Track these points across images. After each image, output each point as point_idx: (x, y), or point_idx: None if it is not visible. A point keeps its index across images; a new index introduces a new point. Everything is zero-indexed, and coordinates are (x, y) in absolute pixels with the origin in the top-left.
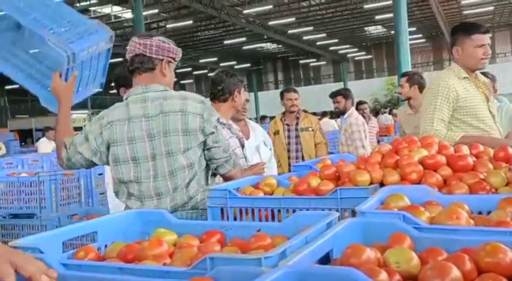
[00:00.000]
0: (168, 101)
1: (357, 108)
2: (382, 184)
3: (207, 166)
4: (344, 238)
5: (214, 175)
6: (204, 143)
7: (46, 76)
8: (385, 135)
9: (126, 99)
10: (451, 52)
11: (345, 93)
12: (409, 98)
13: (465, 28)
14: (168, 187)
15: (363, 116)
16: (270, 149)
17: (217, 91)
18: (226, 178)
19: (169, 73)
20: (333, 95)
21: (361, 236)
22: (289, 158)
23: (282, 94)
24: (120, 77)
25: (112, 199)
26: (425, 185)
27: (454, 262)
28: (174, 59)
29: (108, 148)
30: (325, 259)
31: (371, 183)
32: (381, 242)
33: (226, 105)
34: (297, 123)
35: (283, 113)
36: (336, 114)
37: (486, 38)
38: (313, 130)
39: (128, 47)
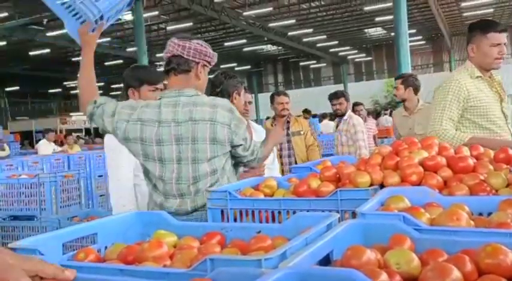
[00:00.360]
0: (198, 108)
1: (353, 110)
2: (382, 186)
3: (232, 166)
4: (344, 239)
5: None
6: (233, 151)
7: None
8: (385, 137)
9: (159, 99)
10: (466, 50)
11: (346, 94)
12: (404, 100)
13: (482, 26)
14: (190, 190)
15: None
16: (273, 151)
17: (216, 93)
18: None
19: (204, 76)
20: (335, 97)
21: (361, 238)
22: (282, 164)
23: (272, 98)
24: (128, 78)
25: (115, 201)
26: (426, 187)
27: (454, 263)
28: (209, 63)
29: (125, 139)
30: (326, 261)
31: (371, 184)
32: (381, 244)
33: None
34: (288, 128)
35: (274, 118)
36: (338, 116)
37: (502, 37)
38: (304, 133)
39: (166, 47)
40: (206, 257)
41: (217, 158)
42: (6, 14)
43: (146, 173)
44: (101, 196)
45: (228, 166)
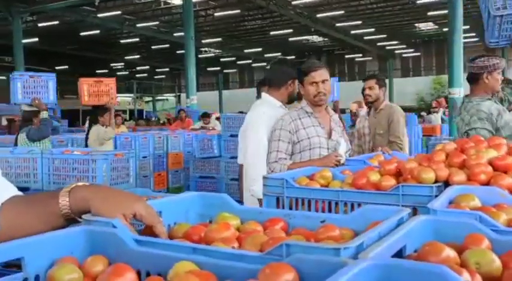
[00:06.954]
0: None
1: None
2: (446, 184)
3: None
4: (416, 235)
5: None
6: None
7: None
8: (430, 135)
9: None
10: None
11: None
12: (376, 100)
13: None
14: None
15: None
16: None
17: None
18: None
19: (487, 80)
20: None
21: (433, 235)
22: None
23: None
24: (291, 72)
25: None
26: (496, 187)
27: None
28: (495, 69)
29: None
30: (397, 256)
31: (435, 181)
32: (455, 242)
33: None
34: None
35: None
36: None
37: None
38: None
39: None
40: (282, 242)
41: None
42: None
43: None
44: (144, 177)
45: None
